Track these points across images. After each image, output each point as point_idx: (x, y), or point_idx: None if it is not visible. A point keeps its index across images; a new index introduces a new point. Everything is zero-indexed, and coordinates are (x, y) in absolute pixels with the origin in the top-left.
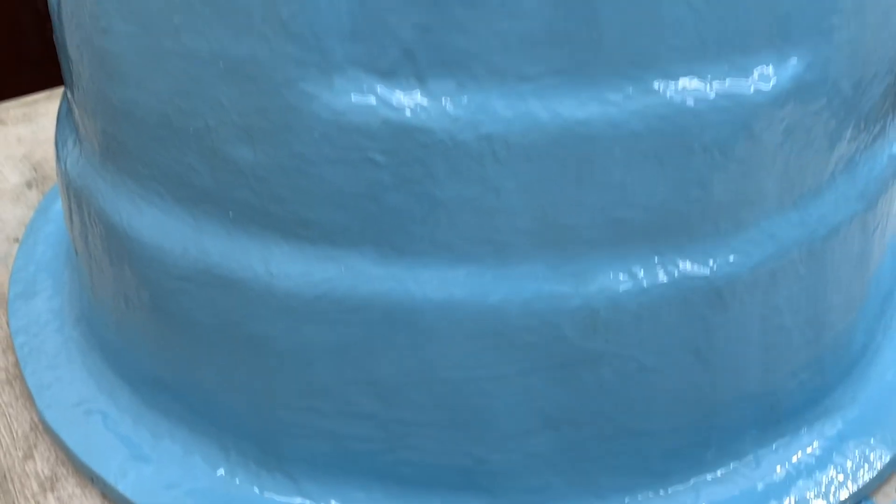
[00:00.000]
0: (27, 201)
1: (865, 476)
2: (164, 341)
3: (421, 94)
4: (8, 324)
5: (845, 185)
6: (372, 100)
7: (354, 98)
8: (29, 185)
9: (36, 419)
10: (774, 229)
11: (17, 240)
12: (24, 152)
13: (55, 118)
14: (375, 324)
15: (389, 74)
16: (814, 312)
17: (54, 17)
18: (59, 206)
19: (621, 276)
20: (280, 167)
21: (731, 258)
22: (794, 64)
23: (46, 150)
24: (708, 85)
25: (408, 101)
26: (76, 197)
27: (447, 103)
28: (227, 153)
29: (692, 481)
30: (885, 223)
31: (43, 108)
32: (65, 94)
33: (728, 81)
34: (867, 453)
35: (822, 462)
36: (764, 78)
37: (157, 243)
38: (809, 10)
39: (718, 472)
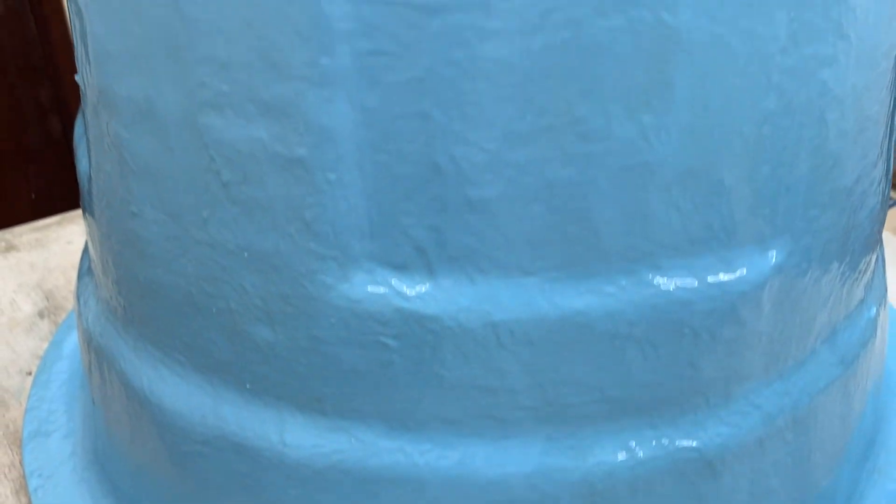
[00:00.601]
0: (39, 332)
1: None
2: (179, 495)
3: (431, 286)
4: (22, 463)
5: (827, 353)
6: (386, 290)
7: (370, 288)
8: (41, 314)
9: None
10: (761, 401)
11: (29, 373)
12: (37, 280)
13: (67, 244)
14: (382, 493)
15: (402, 268)
16: (800, 472)
17: (83, 191)
18: (71, 340)
19: (618, 450)
20: (297, 347)
21: (721, 430)
22: (775, 254)
23: (58, 278)
24: (696, 276)
25: (419, 291)
26: (97, 354)
27: (456, 294)
28: (247, 332)
29: None
30: (865, 380)
31: (55, 234)
32: (86, 249)
33: (715, 273)
34: None
35: None
36: (748, 268)
37: (177, 409)
38: (789, 208)
39: None
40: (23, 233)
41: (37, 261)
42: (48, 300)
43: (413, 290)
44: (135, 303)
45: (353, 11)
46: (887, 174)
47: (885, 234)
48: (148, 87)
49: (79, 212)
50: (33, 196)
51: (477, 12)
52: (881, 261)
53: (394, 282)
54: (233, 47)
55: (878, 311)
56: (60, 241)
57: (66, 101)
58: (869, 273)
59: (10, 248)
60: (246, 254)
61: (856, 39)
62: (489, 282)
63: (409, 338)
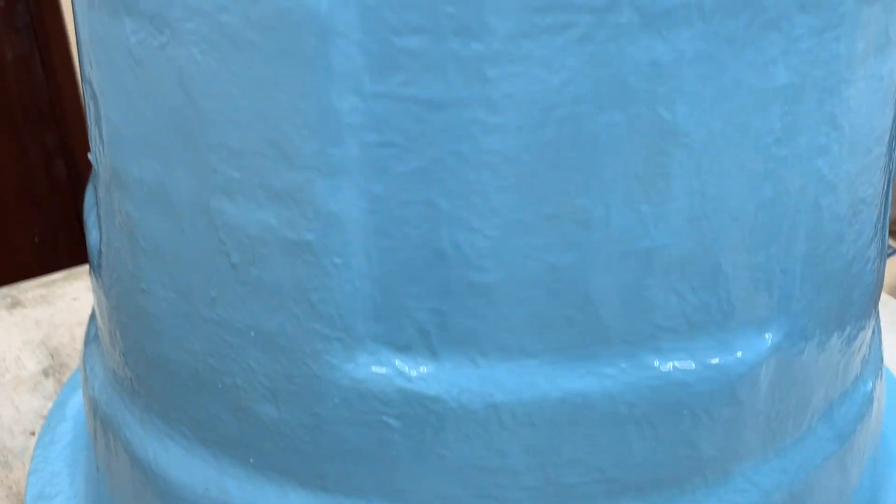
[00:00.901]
0: (44, 391)
1: None
2: None
3: (434, 367)
4: None
5: (823, 429)
6: (389, 371)
7: (374, 369)
8: (46, 373)
9: None
10: (759, 478)
11: (33, 433)
12: (42, 337)
13: (73, 300)
14: None
15: (406, 349)
16: None
17: (93, 262)
18: (75, 400)
19: None
20: (301, 424)
21: None
22: (772, 335)
23: (63, 335)
24: (694, 358)
25: (422, 372)
26: (103, 423)
27: (458, 376)
28: (252, 409)
29: None
30: (862, 454)
31: (60, 290)
32: (93, 315)
33: (712, 355)
34: None
35: None
36: (745, 350)
37: (182, 481)
38: (785, 290)
39: None
40: (28, 288)
41: (42, 317)
42: (53, 358)
43: (416, 371)
44: (142, 375)
45: (362, 105)
46: (882, 251)
47: (883, 296)
48: (160, 170)
49: (84, 268)
50: (37, 240)
51: (481, 108)
52: (877, 332)
53: (397, 363)
54: (244, 137)
55: (874, 384)
56: (66, 297)
57: (72, 146)
58: (865, 348)
59: (15, 303)
60: (252, 333)
61: (849, 129)
62: (491, 364)
63: (412, 418)
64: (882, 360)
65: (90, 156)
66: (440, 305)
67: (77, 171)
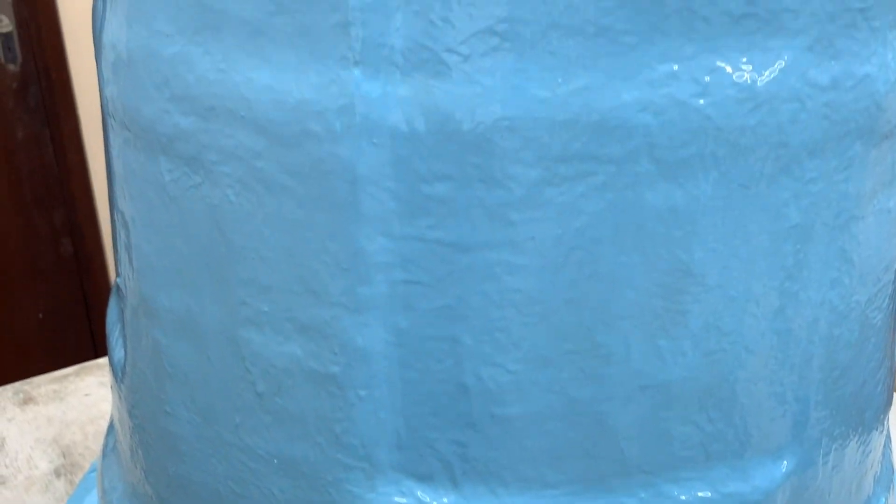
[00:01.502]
0: (55, 492)
1: None
2: None
3: (455, 497)
4: None
5: None
6: (411, 501)
7: (395, 499)
8: (57, 473)
9: None
10: None
11: None
12: (54, 435)
13: (84, 396)
14: None
15: (428, 479)
16: None
17: (116, 378)
18: (88, 503)
19: None
20: None
21: None
22: (786, 463)
23: (75, 433)
24: (711, 487)
25: (443, 503)
26: None
27: None
28: None
29: None
30: None
31: (73, 386)
32: (111, 426)
33: (729, 483)
34: None
35: None
36: (761, 478)
37: None
38: (799, 417)
39: None
40: (41, 384)
41: (54, 414)
42: (65, 457)
43: (437, 502)
44: (163, 493)
45: (391, 246)
46: (891, 369)
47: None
48: (189, 300)
49: (95, 362)
50: (41, 315)
51: (505, 250)
52: (888, 445)
53: (419, 493)
54: (274, 273)
55: (886, 500)
56: (78, 393)
57: (79, 224)
58: (876, 465)
59: (28, 399)
60: (275, 460)
61: (858, 261)
62: (511, 494)
63: None
64: (893, 471)
65: (118, 280)
66: (462, 437)
67: (83, 249)
